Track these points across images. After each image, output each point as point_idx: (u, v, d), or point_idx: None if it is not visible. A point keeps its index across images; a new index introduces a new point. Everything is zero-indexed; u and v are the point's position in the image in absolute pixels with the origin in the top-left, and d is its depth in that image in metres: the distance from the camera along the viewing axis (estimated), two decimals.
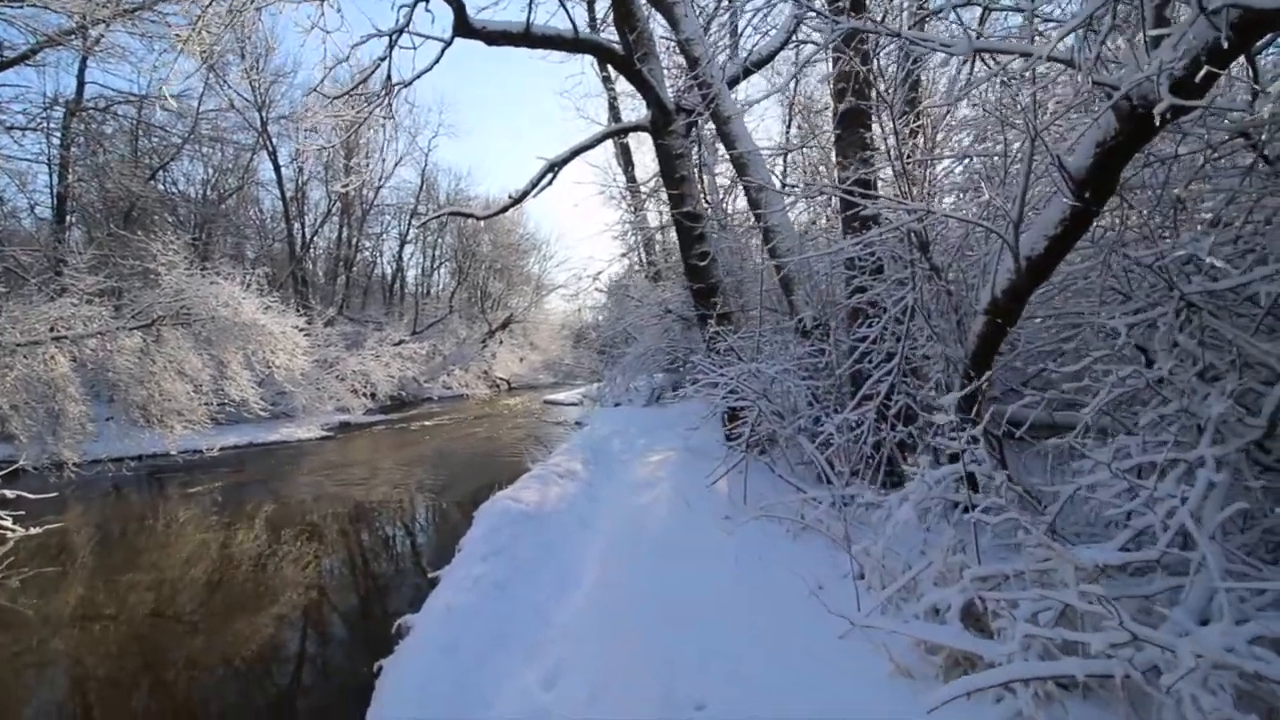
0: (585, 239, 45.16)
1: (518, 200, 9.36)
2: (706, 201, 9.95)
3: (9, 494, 7.68)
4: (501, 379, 34.40)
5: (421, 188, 30.47)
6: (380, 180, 27.63)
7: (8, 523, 7.46)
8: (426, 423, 19.34)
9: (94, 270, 12.79)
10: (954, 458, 3.30)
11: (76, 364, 11.32)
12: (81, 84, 16.50)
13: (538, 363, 38.16)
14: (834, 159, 6.41)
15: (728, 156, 11.48)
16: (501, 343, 34.41)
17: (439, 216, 20.81)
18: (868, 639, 2.80)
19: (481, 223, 30.20)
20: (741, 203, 13.41)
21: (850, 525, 3.77)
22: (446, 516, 8.91)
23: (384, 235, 31.16)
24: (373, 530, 8.36)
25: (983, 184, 4.32)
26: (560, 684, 3.32)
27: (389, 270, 32.76)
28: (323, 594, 6.14)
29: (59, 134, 15.89)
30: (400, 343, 23.15)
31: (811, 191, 4.92)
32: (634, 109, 17.04)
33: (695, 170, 9.26)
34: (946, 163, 5.65)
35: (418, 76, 6.98)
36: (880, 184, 6.23)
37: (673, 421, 10.59)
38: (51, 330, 10.94)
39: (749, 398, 5.54)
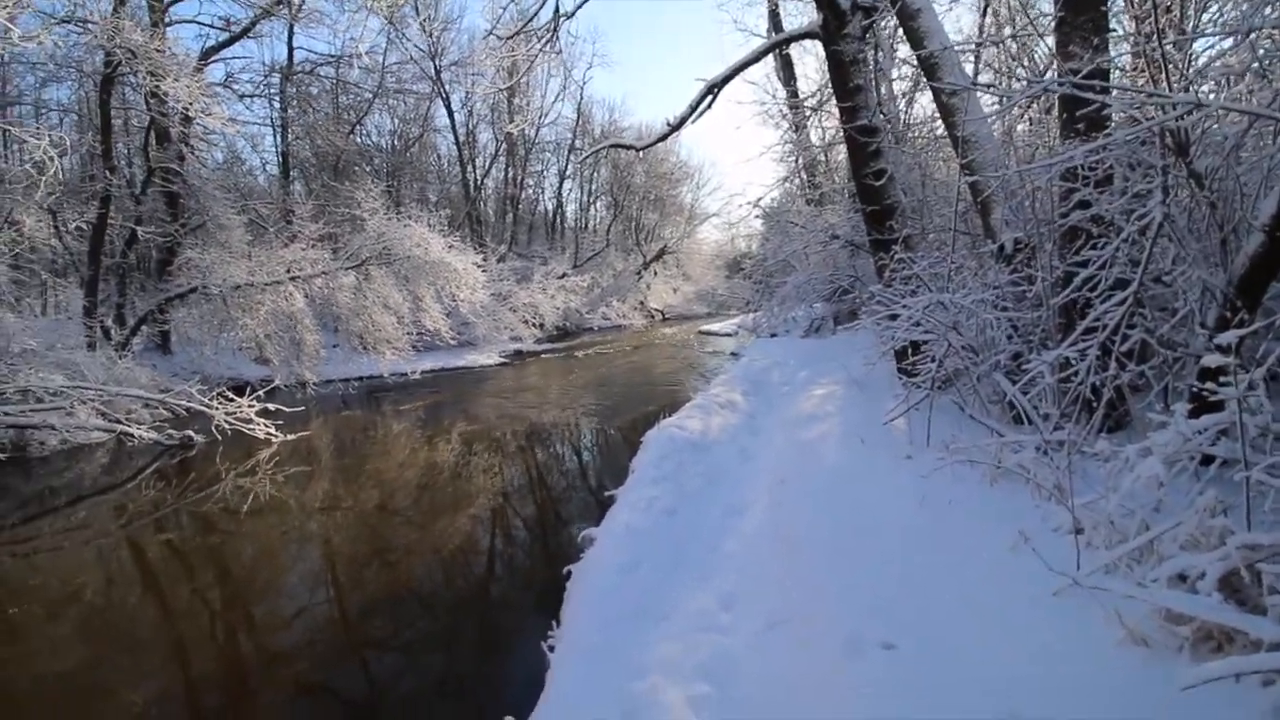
0: (741, 164, 43.45)
1: (676, 128, 9.11)
2: (882, 113, 8.96)
3: (271, 407, 9.37)
4: (656, 310, 35.05)
5: (578, 122, 30.95)
6: (540, 118, 28.48)
7: (272, 429, 9.13)
8: (589, 351, 20.35)
9: (314, 219, 14.72)
10: (1212, 405, 2.76)
11: (308, 299, 13.30)
12: (291, 50, 18.58)
13: (691, 293, 38.23)
14: (1052, 50, 5.39)
15: (907, 60, 10.21)
16: (656, 274, 34.82)
17: (597, 151, 21.11)
18: (1091, 600, 2.51)
19: (637, 154, 30.11)
20: (920, 112, 11.95)
21: (1065, 473, 3.35)
22: (613, 440, 9.40)
23: (544, 173, 32.43)
24: (548, 449, 9.08)
25: (1269, 66, 3.37)
26: (737, 608, 3.40)
27: (550, 206, 34.19)
28: (509, 501, 6.82)
29: (278, 97, 18.14)
30: (563, 276, 24.29)
31: (1030, 91, 4.16)
32: (799, 13, 15.65)
33: (870, 78, 8.33)
34: (1207, 43, 4.51)
35: (581, 4, 6.88)
36: (1113, 77, 5.15)
37: (835, 354, 10.14)
38: (288, 271, 12.88)
39: (936, 330, 5.06)
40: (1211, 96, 4.43)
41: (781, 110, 15.85)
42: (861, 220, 8.80)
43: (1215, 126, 3.90)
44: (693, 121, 8.73)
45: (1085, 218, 4.32)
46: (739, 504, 5.04)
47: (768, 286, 16.76)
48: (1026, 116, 7.69)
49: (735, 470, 6.02)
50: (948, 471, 4.05)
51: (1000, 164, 5.44)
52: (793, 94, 15.56)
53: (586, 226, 36.34)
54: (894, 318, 5.68)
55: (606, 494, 5.77)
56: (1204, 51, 5.05)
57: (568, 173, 32.97)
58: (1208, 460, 2.83)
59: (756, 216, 14.22)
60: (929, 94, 7.89)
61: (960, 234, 6.26)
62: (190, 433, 9.21)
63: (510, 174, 28.67)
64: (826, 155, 15.90)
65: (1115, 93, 3.95)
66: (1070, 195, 4.47)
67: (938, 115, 7.23)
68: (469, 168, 26.30)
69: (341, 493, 7.26)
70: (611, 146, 13.08)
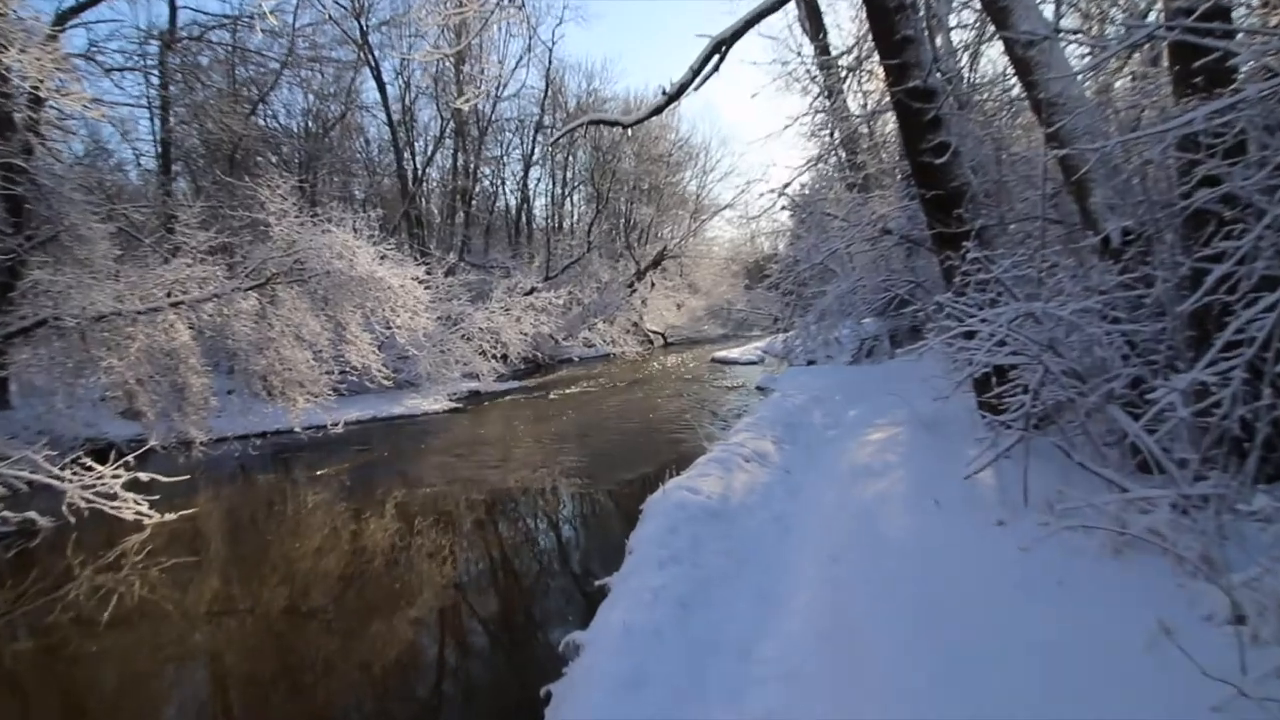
0: (759, 142, 44.06)
1: (674, 97, 9.20)
2: (940, 71, 9.06)
3: (144, 477, 9.21)
4: (655, 332, 35.20)
5: (546, 93, 31.49)
6: (498, 90, 28.92)
7: (144, 508, 8.96)
8: (568, 390, 20.28)
9: (204, 225, 14.73)
10: None
11: (195, 331, 13.22)
12: (174, 9, 18.86)
13: (700, 310, 38.51)
14: None
15: (969, 3, 10.39)
16: (653, 285, 35.08)
17: (572, 129, 21.33)
18: (1264, 716, 2.39)
19: (624, 132, 30.53)
20: (989, 68, 12.13)
21: (1214, 540, 3.26)
22: (604, 509, 9.27)
23: (505, 159, 32.87)
24: (516, 524, 8.94)
25: None
26: None
27: (513, 202, 34.59)
28: (465, 596, 6.68)
29: (156, 71, 18.35)
30: (532, 291, 24.34)
31: (1130, 38, 4.16)
32: None
33: (923, 28, 8.45)
34: None
35: None
36: (1237, 17, 5.21)
37: (893, 385, 10.12)
38: (168, 295, 12.84)
39: (1027, 351, 5.00)
40: None
41: (809, 71, 16.14)
42: (920, 209, 8.84)
43: None
44: (695, 88, 8.82)
45: (1214, 198, 4.31)
46: (776, 592, 4.94)
47: (800, 298, 16.80)
48: (1127, 70, 7.79)
49: (769, 545, 5.94)
50: (1054, 541, 3.95)
51: (1098, 132, 5.46)
52: (822, 50, 15.82)
53: (561, 226, 36.68)
54: (970, 335, 5.63)
55: (596, 583, 5.66)
56: None
57: (535, 158, 33.53)
58: None
59: (782, 207, 14.25)
60: (999, 45, 8.00)
61: (1051, 223, 6.26)
62: (33, 515, 9.03)
63: (460, 162, 29.02)
64: (870, 126, 16.11)
65: (1241, 36, 3.97)
66: (1192, 170, 4.47)
67: (1011, 71, 7.33)
68: (406, 155, 26.63)
69: (238, 591, 7.09)
70: (591, 123, 13.22)
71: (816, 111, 15.54)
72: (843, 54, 15.01)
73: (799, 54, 17.34)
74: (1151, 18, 6.67)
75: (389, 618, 6.18)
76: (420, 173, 27.14)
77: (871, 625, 3.84)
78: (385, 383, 16.33)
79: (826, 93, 15.56)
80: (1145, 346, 4.80)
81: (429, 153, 27.99)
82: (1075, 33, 8.32)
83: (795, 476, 7.97)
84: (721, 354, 25.93)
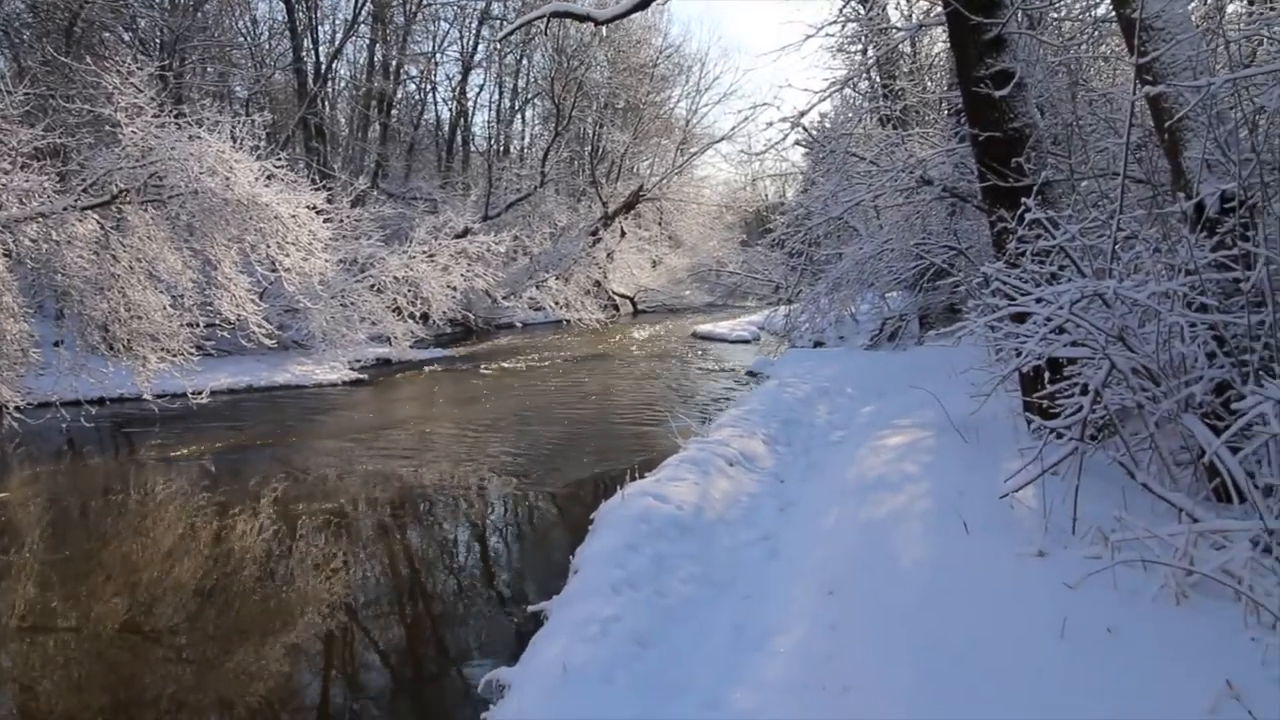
0: (772, 55, 43.88)
1: None
2: None
3: None
4: (623, 295, 35.24)
5: None
6: None
7: None
8: (507, 363, 20.24)
9: (27, 119, 14.35)
10: None
11: (12, 261, 12.94)
12: None
13: (681, 270, 38.59)
14: None
15: None
16: (624, 235, 35.05)
17: (529, 22, 21.06)
18: None
19: (596, 30, 30.29)
20: None
21: None
22: (545, 516, 9.33)
23: (438, 58, 32.46)
24: (430, 529, 8.97)
25: None
26: None
27: (446, 114, 34.22)
28: (359, 619, 6.70)
29: None
30: (465, 233, 24.18)
31: None
32: None
33: None
34: None
35: None
36: None
37: (921, 377, 10.26)
38: None
39: (1091, 342, 5.11)
40: None
41: None
42: (970, 154, 8.93)
43: None
44: None
45: None
46: (757, 629, 5.02)
47: (811, 262, 16.95)
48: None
49: (752, 571, 6.03)
50: (1107, 579, 4.07)
51: (1202, 67, 5.56)
52: None
53: (507, 151, 36.47)
54: (1022, 319, 5.74)
55: (530, 609, 5.71)
56: None
57: (478, 59, 33.12)
58: None
59: (796, 142, 14.28)
60: None
61: (1134, 182, 6.37)
62: None
63: (379, 57, 28.61)
64: (914, 45, 16.23)
65: None
66: None
67: None
68: (306, 43, 26.22)
69: (59, 604, 7.02)
70: (554, 16, 13.07)
71: (847, 20, 15.51)
72: None
73: None
74: None
75: (258, 644, 6.16)
76: (324, 68, 26.80)
77: (870, 677, 3.91)
78: (267, 342, 16.21)
79: None
80: (1237, 343, 4.93)
81: (337, 42, 27.56)
82: None
83: (790, 486, 8.09)
84: (706, 328, 26.10)
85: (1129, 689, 3.39)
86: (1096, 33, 9.37)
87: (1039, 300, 5.43)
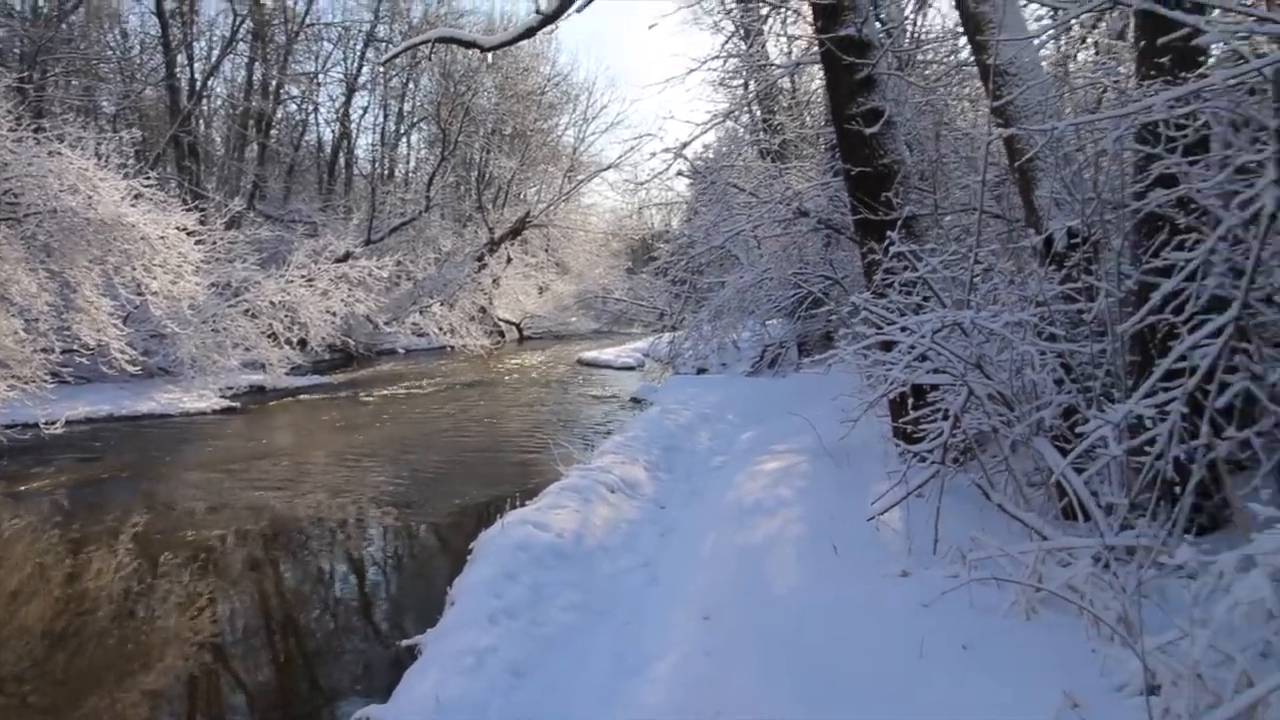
0: (656, 87, 44.42)
1: (550, 19, 9.30)
2: (880, 21, 9.56)
3: None
4: (509, 321, 35.04)
5: None
6: None
7: None
8: (388, 390, 19.85)
9: None
10: None
11: None
12: None
13: (568, 297, 38.60)
14: None
15: None
16: (510, 261, 34.88)
17: (415, 46, 20.94)
18: None
19: (483, 57, 30.29)
20: (938, 23, 12.85)
21: (1133, 599, 3.60)
22: (424, 547, 9.17)
23: (321, 78, 31.85)
24: (304, 562, 8.72)
25: None
26: None
27: (328, 136, 33.52)
28: (226, 658, 6.44)
29: None
30: (346, 257, 23.69)
31: (1094, 2, 4.56)
32: None
33: None
34: None
35: None
36: None
37: (799, 403, 10.53)
38: None
39: (951, 369, 5.35)
40: None
41: (724, 3, 16.55)
42: (844, 189, 9.26)
43: None
44: (579, 9, 8.93)
45: (1169, 201, 4.76)
46: (636, 656, 5.01)
47: (694, 290, 17.21)
48: (1090, 41, 8.48)
49: (632, 598, 6.03)
50: (964, 596, 4.25)
51: (1051, 111, 5.92)
52: None
53: (392, 175, 35.94)
54: (889, 346, 5.96)
55: (404, 643, 5.60)
56: None
57: (362, 82, 32.62)
58: None
59: (679, 172, 14.57)
60: None
61: (992, 217, 6.72)
62: None
63: (258, 75, 27.92)
64: (793, 81, 16.72)
65: (1214, 13, 4.42)
66: (1149, 166, 4.93)
67: (962, 29, 7.82)
68: (181, 58, 25.36)
69: None
70: (440, 42, 13.07)
71: (729, 56, 15.96)
72: None
73: None
74: None
75: (114, 690, 5.85)
76: (200, 85, 25.96)
77: (745, 701, 3.98)
78: (131, 369, 15.52)
79: (742, 33, 16.01)
80: (1082, 370, 5.25)
81: (214, 59, 26.74)
82: None
83: (671, 512, 8.16)
84: (591, 354, 26.11)
85: (981, 703, 3.55)
86: (959, 76, 9.87)
87: (904, 329, 5.66)
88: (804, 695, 3.91)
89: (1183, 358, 4.21)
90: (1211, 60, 5.05)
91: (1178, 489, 4.12)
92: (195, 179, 23.77)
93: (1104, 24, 7.85)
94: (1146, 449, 4.23)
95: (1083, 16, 7.21)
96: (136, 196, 14.57)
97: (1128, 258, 5.18)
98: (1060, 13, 5.49)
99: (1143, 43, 5.15)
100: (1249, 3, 5.12)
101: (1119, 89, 5.95)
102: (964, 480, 5.62)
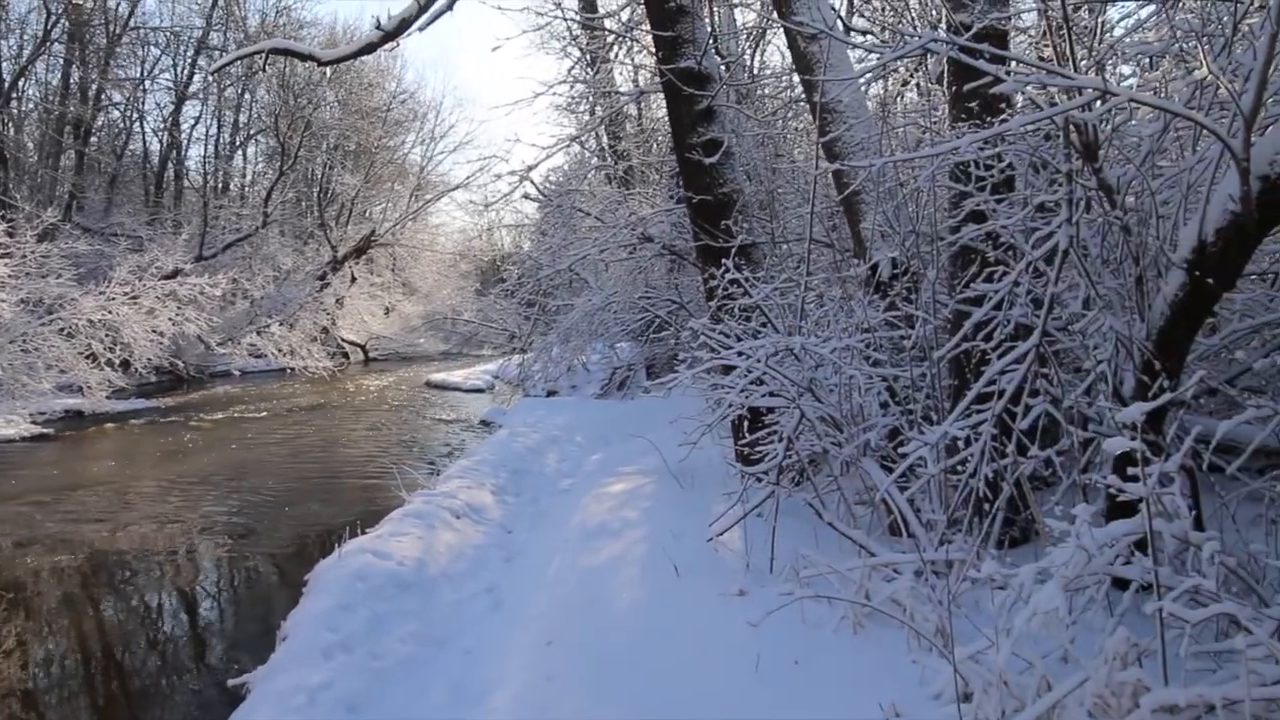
0: (504, 109, 44.26)
1: (391, 35, 9.15)
2: (720, 54, 9.87)
3: None
4: (353, 343, 34.15)
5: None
6: None
7: None
8: (222, 414, 19.07)
9: None
10: (1125, 507, 3.37)
11: None
12: None
13: (416, 318, 37.95)
14: None
15: None
16: (354, 280, 34.08)
17: (248, 55, 20.23)
18: None
19: (323, 70, 29.53)
20: (775, 59, 13.34)
21: (948, 611, 3.83)
22: (258, 579, 8.84)
23: (147, 84, 30.32)
24: (125, 599, 8.28)
25: (1193, 49, 4.36)
26: None
27: (155, 146, 31.95)
28: (37, 708, 6.07)
29: None
30: (176, 274, 22.60)
31: (908, 48, 4.86)
32: None
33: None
34: (1128, 11, 5.69)
35: None
36: (1017, 44, 6.24)
37: (646, 424, 10.68)
38: None
39: (783, 393, 5.56)
40: (1126, 83, 5.59)
41: (570, 30, 16.70)
42: (687, 216, 9.49)
43: (1133, 123, 4.89)
44: (421, 28, 8.83)
45: (979, 235, 5.12)
46: (478, 684, 4.98)
47: (543, 312, 17.24)
48: (913, 84, 8.99)
49: (476, 625, 5.99)
50: (796, 612, 4.41)
51: (874, 149, 6.26)
52: (588, 7, 16.54)
53: (226, 189, 34.54)
54: (728, 370, 6.14)
55: (232, 683, 5.40)
56: (1120, 21, 6.38)
57: (194, 90, 31.25)
58: (1124, 584, 3.44)
59: (525, 195, 14.58)
60: (784, 34, 8.89)
61: (822, 246, 7.02)
62: None
63: (76, 78, 26.38)
64: (639, 108, 17.03)
65: (1013, 64, 4.79)
66: (962, 202, 5.28)
67: (795, 67, 8.16)
68: None
69: None
70: (275, 52, 12.63)
71: (575, 81, 16.15)
72: (611, 15, 15.80)
73: (559, 5, 17.94)
74: (941, 30, 7.79)
75: None
76: (8, 87, 24.37)
77: None
78: None
79: (589, 60, 16.21)
80: (905, 394, 5.55)
81: (25, 58, 25.12)
82: (864, 34, 9.45)
83: (517, 536, 8.14)
84: (440, 377, 25.76)
85: (810, 717, 3.70)
86: (794, 111, 10.29)
87: (740, 354, 5.84)
88: (639, 715, 3.97)
89: (992, 382, 4.51)
90: (1014, 107, 5.47)
91: (989, 505, 4.41)
92: (3, 187, 22.28)
93: (925, 69, 8.36)
94: (961, 467, 4.51)
95: (905, 62, 7.67)
96: None
97: (944, 287, 5.51)
98: (880, 56, 5.82)
99: (954, 89, 5.52)
100: (1045, 56, 5.58)
101: (935, 130, 6.33)
102: (799, 500, 5.83)
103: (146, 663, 7.05)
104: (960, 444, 4.49)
